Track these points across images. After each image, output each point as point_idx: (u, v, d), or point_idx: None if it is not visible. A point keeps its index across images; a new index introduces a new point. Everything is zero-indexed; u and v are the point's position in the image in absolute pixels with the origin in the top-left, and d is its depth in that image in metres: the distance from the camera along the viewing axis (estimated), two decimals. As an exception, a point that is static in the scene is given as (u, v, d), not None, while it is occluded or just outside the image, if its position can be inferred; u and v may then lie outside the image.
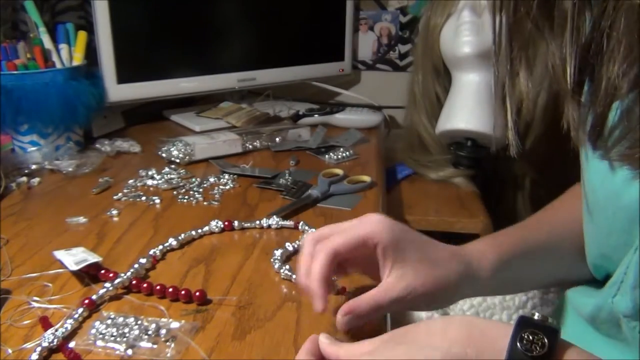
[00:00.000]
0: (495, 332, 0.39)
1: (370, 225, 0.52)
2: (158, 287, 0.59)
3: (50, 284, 0.61)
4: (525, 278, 0.62)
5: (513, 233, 0.61)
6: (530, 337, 0.37)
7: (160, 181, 0.91)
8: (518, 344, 0.37)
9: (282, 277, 0.63)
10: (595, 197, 0.52)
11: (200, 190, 0.88)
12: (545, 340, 0.37)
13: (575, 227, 0.59)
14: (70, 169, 0.95)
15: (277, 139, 1.10)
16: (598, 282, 0.59)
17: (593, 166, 0.52)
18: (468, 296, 0.59)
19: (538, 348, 0.36)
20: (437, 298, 0.53)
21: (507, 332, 0.38)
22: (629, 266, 0.47)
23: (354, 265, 0.56)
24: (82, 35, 1.06)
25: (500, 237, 0.60)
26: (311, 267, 0.51)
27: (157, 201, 0.84)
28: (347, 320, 0.50)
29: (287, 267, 0.64)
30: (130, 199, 0.85)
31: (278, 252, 0.67)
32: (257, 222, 0.76)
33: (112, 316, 0.54)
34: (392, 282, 0.50)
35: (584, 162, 0.54)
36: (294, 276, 0.62)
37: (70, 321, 0.53)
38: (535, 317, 0.39)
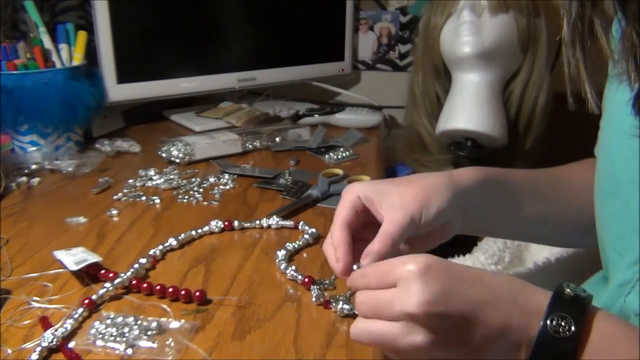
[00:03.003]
0: (530, 299, 0.44)
1: (348, 191, 0.55)
2: (158, 287, 0.59)
3: (50, 284, 0.61)
4: (513, 208, 0.61)
5: (507, 169, 0.63)
6: (560, 321, 0.41)
7: (160, 181, 0.91)
8: (548, 324, 0.42)
9: (288, 277, 0.63)
10: (616, 178, 0.52)
11: (200, 190, 0.88)
12: (572, 326, 0.41)
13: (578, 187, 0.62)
14: (70, 169, 0.95)
15: (277, 139, 1.10)
16: (599, 284, 0.59)
17: (617, 140, 0.51)
18: (459, 212, 0.57)
19: (566, 332, 0.41)
20: (431, 208, 0.53)
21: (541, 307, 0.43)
22: None
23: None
24: (82, 35, 1.06)
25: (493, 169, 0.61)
26: (332, 241, 0.53)
27: (157, 201, 0.84)
28: (371, 262, 0.50)
29: (293, 267, 0.64)
30: (130, 199, 0.85)
31: (281, 253, 0.67)
32: (257, 222, 0.76)
33: (112, 316, 0.54)
34: (390, 213, 0.52)
35: (605, 137, 0.53)
36: (299, 277, 0.62)
37: (70, 321, 0.53)
38: (567, 292, 0.43)
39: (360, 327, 0.46)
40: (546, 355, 0.42)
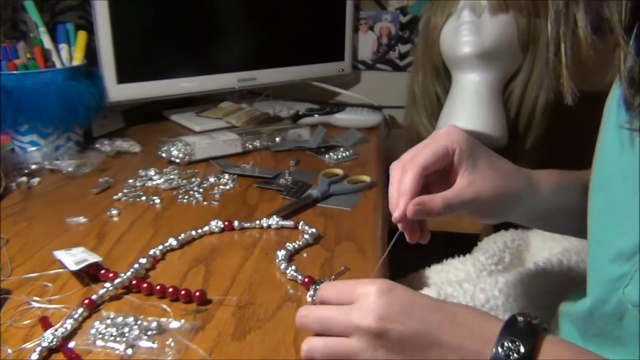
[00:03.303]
0: (486, 327, 0.45)
1: (449, 135, 0.54)
2: (158, 287, 0.59)
3: (50, 284, 0.61)
4: (577, 210, 0.62)
5: (575, 171, 0.64)
6: (510, 345, 0.42)
7: (160, 181, 0.91)
8: (499, 349, 0.42)
9: (288, 277, 0.63)
10: (606, 171, 0.52)
11: (200, 190, 0.88)
12: (521, 348, 0.42)
13: None
14: (70, 169, 0.95)
15: (277, 139, 1.10)
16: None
17: (609, 133, 0.52)
18: (524, 214, 0.60)
19: (515, 354, 0.42)
20: (499, 208, 0.56)
21: (494, 334, 0.44)
22: None
23: (435, 185, 0.57)
24: (82, 35, 1.06)
25: (561, 171, 0.63)
26: (401, 184, 0.52)
27: (157, 201, 0.84)
28: (416, 211, 0.51)
29: (293, 267, 0.64)
30: (130, 199, 0.85)
31: (281, 253, 0.67)
32: (257, 222, 0.76)
33: (112, 316, 0.54)
34: (464, 185, 0.53)
35: (602, 131, 0.54)
36: (299, 277, 0.62)
37: (70, 321, 0.53)
38: (519, 320, 0.44)
39: (317, 341, 0.46)
40: None
